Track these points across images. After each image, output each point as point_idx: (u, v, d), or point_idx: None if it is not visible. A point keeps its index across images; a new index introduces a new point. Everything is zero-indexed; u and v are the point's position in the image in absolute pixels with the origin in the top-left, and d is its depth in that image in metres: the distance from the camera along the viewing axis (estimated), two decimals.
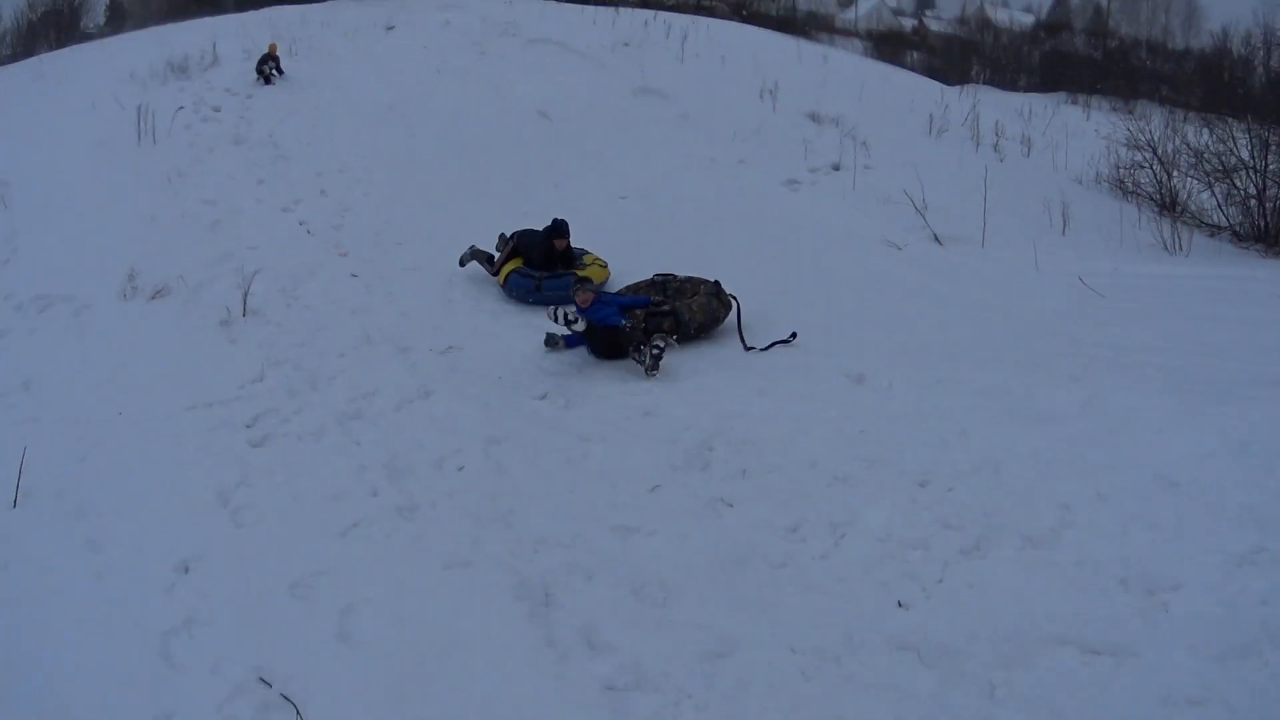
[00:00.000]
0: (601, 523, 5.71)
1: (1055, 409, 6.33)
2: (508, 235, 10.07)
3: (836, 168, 14.15)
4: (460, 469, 6.34)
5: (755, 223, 11.85)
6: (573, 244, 9.88)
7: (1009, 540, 5.14)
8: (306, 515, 5.74)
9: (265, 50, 15.97)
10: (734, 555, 5.34)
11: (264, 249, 10.17)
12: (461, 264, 10.07)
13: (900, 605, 4.83)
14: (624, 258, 10.45)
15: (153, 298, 8.90)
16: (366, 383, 7.46)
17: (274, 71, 15.68)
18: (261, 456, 6.39)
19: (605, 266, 9.99)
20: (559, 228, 9.77)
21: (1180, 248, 12.38)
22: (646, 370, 7.69)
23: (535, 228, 9.97)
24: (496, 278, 9.82)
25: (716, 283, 8.76)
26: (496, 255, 10.00)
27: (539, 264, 9.65)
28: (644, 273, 9.49)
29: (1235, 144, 13.97)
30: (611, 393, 7.51)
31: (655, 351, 7.66)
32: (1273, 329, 8.35)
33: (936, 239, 11.85)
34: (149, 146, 12.72)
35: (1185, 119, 16.82)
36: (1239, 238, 13.24)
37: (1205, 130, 14.94)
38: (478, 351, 8.36)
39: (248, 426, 6.72)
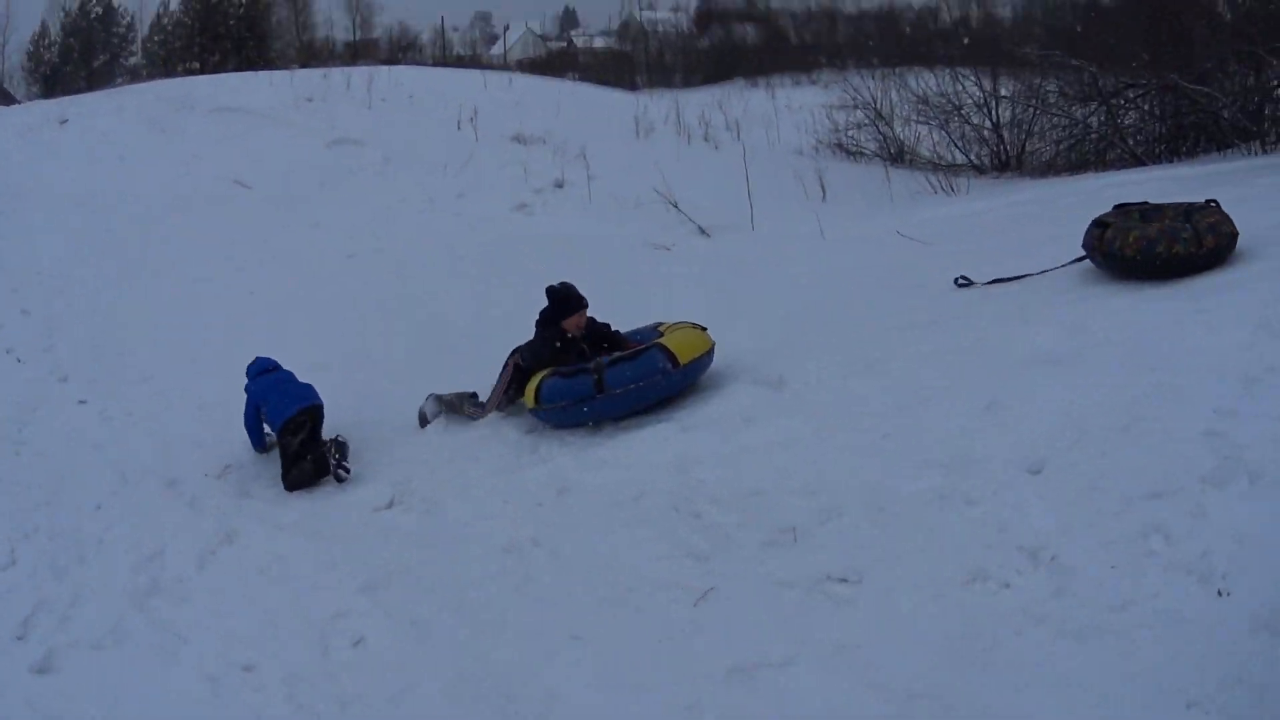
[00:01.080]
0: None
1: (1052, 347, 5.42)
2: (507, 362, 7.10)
3: (560, 184, 13.39)
4: (357, 643, 4.74)
5: (502, 254, 10.97)
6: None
7: None
8: None
9: None
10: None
11: None
12: (423, 424, 7.26)
13: None
14: (374, 324, 9.37)
15: None
16: (146, 539, 5.93)
17: None
18: (58, 697, 4.54)
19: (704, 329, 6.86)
20: (565, 296, 6.85)
21: (953, 189, 12.21)
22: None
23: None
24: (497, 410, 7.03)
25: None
26: (482, 393, 7.22)
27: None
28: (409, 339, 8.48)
29: (961, 84, 14.15)
30: (478, 472, 6.36)
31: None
32: None
33: (703, 231, 11.32)
34: None
35: (876, 76, 16.95)
36: (979, 171, 13.38)
37: (926, 77, 15.04)
38: (262, 463, 7.06)
39: (19, 639, 5.01)
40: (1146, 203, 6.48)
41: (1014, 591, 3.84)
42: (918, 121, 14.69)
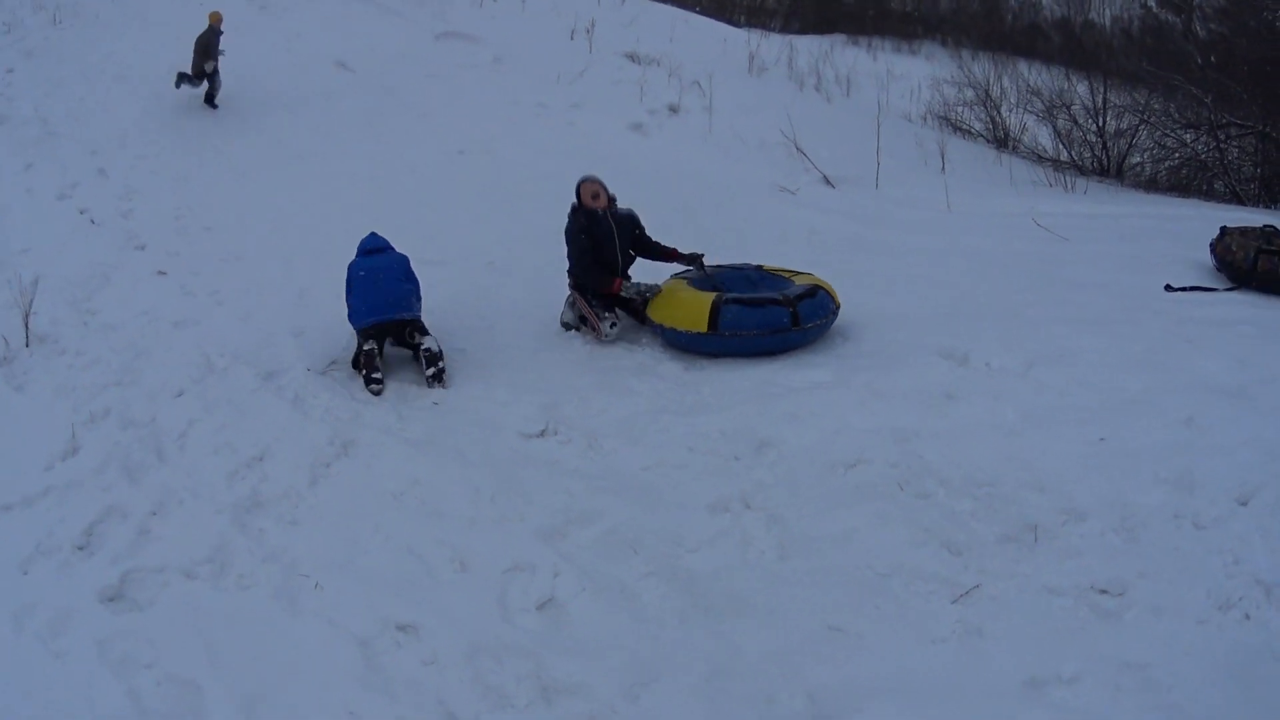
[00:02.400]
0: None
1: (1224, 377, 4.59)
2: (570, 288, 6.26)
3: (674, 109, 12.01)
4: (543, 606, 3.51)
5: (619, 172, 9.57)
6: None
7: None
8: None
9: (206, 28, 10.39)
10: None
11: (39, 249, 7.11)
12: (566, 329, 6.23)
13: None
14: (493, 226, 8.08)
15: None
16: (241, 438, 4.68)
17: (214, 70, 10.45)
18: (139, 642, 3.30)
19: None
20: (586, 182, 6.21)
21: (1070, 186, 11.11)
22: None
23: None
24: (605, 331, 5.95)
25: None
26: (575, 307, 6.19)
27: (596, 280, 6.04)
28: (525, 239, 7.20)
29: (1073, 84, 13.45)
30: (637, 407, 5.08)
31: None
32: None
33: (828, 182, 10.03)
34: None
35: (985, 58, 16.06)
36: (1081, 171, 12.42)
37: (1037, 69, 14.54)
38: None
39: (80, 549, 3.81)
40: None
41: (1254, 624, 3.25)
42: (1026, 111, 13.69)
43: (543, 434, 4.81)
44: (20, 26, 12.19)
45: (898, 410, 4.69)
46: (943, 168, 10.91)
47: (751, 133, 11.22)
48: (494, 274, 7.27)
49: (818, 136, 11.14)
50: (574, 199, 6.19)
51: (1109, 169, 12.50)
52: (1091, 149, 12.75)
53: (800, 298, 5.54)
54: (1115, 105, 12.80)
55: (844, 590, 3.54)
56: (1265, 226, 6.49)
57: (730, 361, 5.48)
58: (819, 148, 10.72)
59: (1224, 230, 6.58)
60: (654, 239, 6.38)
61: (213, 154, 9.18)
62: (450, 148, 9.93)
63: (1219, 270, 6.53)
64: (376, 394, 5.33)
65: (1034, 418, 4.45)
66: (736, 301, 5.53)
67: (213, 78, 10.44)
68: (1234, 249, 6.37)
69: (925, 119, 14.37)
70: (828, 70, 16.44)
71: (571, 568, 3.57)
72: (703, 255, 6.22)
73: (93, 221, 7.75)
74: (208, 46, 10.27)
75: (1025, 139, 13.45)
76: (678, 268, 6.31)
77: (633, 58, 13.88)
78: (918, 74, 15.71)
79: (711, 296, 5.60)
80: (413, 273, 5.93)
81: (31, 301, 5.88)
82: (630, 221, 6.27)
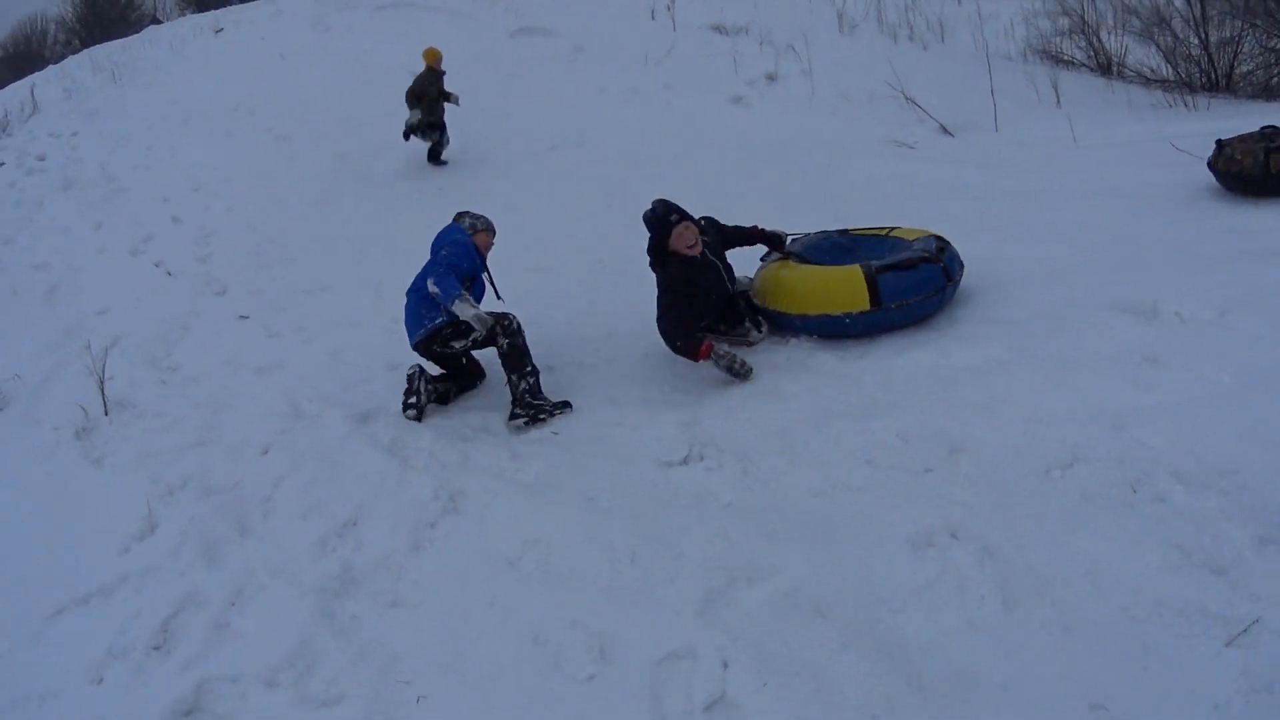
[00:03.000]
0: None
1: None
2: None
3: (772, 78, 11.09)
4: (710, 708, 2.63)
5: (724, 148, 8.80)
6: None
7: None
8: None
9: (423, 69, 9.15)
10: None
11: (117, 310, 6.66)
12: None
13: None
14: (596, 222, 7.32)
15: None
16: (333, 497, 4.00)
17: (438, 125, 9.15)
18: None
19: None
20: (655, 219, 4.91)
21: (1189, 105, 9.90)
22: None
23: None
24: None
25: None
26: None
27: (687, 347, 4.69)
28: (633, 231, 6.37)
29: None
30: (793, 414, 4.18)
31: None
32: None
33: (946, 130, 9.02)
34: None
35: None
36: (1189, 88, 11.20)
37: None
38: (483, 391, 5.12)
39: (156, 649, 3.19)
40: None
41: None
42: (1125, 32, 12.45)
43: (686, 461, 3.97)
44: (80, 90, 12.05)
45: (1097, 385, 3.70)
46: (1057, 102, 9.91)
47: (856, 89, 10.32)
48: (605, 273, 6.49)
49: (924, 86, 10.19)
50: (650, 237, 4.91)
51: (1218, 83, 11.34)
52: (1198, 63, 11.56)
53: (941, 251, 4.82)
54: (1216, 14, 11.54)
55: (1097, 649, 2.61)
56: (1264, 128, 5.78)
57: (881, 343, 4.58)
58: (928, 96, 9.79)
59: (1221, 144, 5.86)
60: (731, 226, 5.24)
61: (287, 187, 8.63)
62: (539, 145, 9.22)
63: (1225, 187, 5.85)
64: (412, 419, 4.72)
65: (1254, 377, 3.50)
66: (890, 268, 4.70)
67: (437, 130, 9.13)
68: (1238, 157, 5.68)
69: (1025, 55, 13.18)
70: (918, 20, 15.36)
71: (743, 649, 2.71)
72: (786, 234, 5.29)
73: (169, 273, 7.28)
74: (423, 91, 8.97)
75: (1129, 62, 12.28)
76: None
77: (719, 29, 12.97)
78: (1007, 12, 14.37)
79: (858, 269, 4.73)
80: (423, 278, 4.90)
81: (104, 366, 5.34)
82: (716, 232, 5.12)
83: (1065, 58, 12.97)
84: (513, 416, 4.60)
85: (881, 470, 3.57)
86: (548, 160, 8.82)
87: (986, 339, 4.38)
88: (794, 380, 4.49)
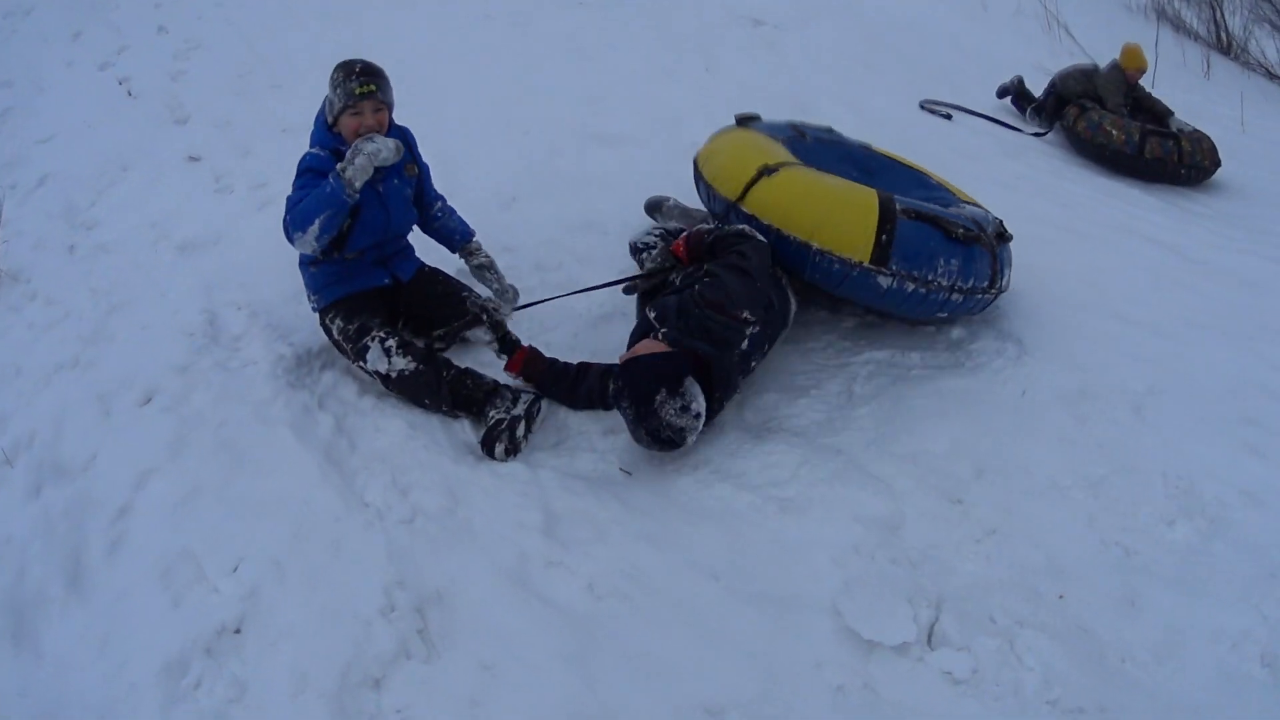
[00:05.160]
0: None
1: None
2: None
3: None
4: None
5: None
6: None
7: None
8: None
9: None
10: None
11: (60, 138, 4.97)
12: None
13: None
14: (687, 83, 5.45)
15: None
16: (217, 534, 2.36)
17: None
18: None
19: None
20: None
21: None
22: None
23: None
24: None
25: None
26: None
27: None
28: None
29: None
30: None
31: None
32: None
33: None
34: None
35: None
36: None
37: None
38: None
39: None
40: None
41: None
42: (1254, 19, 12.00)
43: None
44: None
45: None
46: (1206, 73, 9.24)
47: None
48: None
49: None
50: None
51: None
52: None
53: (999, 238, 3.21)
54: None
55: None
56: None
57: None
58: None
59: (1083, 106, 5.94)
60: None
61: (299, 18, 6.55)
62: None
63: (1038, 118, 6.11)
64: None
65: None
66: (922, 218, 2.96)
67: None
68: (1111, 130, 5.60)
69: (1146, 10, 12.10)
70: None
71: None
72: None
73: (130, 93, 5.43)
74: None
75: (1252, 47, 11.59)
76: None
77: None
78: None
79: (873, 194, 2.98)
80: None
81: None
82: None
83: (1181, 24, 12.13)
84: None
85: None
86: None
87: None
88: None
